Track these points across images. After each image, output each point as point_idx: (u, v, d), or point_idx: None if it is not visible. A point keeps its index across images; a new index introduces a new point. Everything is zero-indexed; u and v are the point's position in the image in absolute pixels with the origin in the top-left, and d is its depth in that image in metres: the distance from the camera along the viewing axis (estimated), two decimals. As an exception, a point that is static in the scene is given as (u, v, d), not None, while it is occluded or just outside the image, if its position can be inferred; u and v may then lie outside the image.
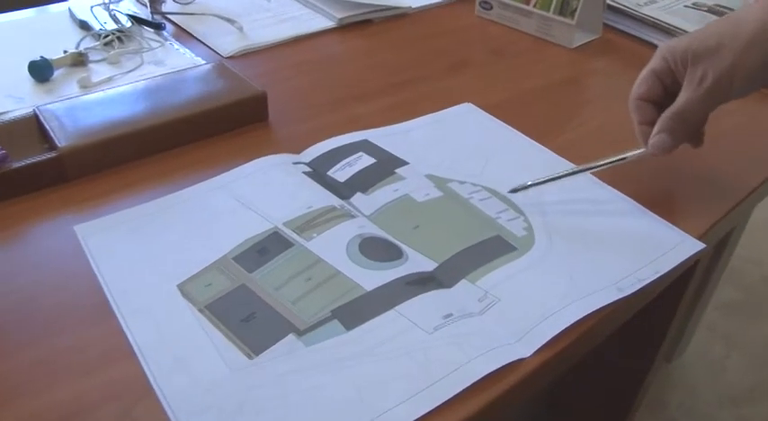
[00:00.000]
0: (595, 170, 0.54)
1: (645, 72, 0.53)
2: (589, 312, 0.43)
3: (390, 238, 0.48)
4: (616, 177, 0.56)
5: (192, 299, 0.43)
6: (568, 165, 0.57)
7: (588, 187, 0.55)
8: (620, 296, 0.44)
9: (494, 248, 0.48)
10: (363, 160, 0.57)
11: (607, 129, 0.64)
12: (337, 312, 0.42)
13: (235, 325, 0.41)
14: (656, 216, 0.52)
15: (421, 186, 0.54)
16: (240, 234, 0.48)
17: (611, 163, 0.53)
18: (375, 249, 0.47)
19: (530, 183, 0.53)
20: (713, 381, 1.28)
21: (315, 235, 0.48)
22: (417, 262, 0.46)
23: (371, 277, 0.44)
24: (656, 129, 0.51)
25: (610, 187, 0.55)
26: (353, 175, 0.55)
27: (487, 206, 0.52)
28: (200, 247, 0.47)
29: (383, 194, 0.53)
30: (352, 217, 0.50)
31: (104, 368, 0.39)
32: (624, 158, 0.53)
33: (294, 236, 0.48)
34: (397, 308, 0.42)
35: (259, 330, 0.41)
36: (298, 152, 0.58)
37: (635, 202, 0.53)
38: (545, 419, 1.08)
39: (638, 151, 0.53)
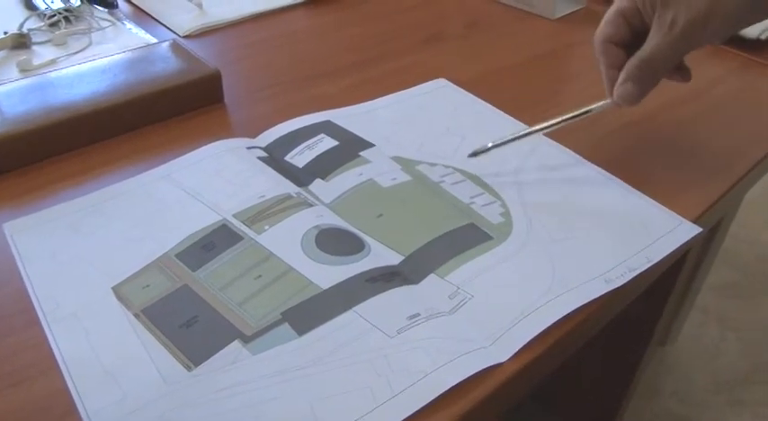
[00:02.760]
0: (560, 126, 0.49)
1: (610, 12, 0.48)
2: (574, 309, 0.38)
3: (351, 229, 0.44)
4: (600, 154, 0.51)
5: (127, 302, 0.38)
6: (552, 144, 0.52)
7: (571, 166, 0.50)
8: (609, 289, 0.39)
9: (466, 238, 0.43)
10: (325, 143, 0.51)
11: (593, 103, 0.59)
12: (288, 314, 0.37)
13: (174, 331, 0.37)
14: (645, 197, 0.47)
15: (387, 170, 0.49)
16: (184, 228, 0.43)
17: (575, 117, 0.49)
18: (333, 242, 0.42)
19: (490, 144, 0.49)
20: (708, 366, 1.25)
21: (267, 227, 0.43)
22: (380, 255, 0.42)
23: (328, 273, 0.40)
24: (621, 77, 0.47)
25: (594, 166, 0.50)
26: (313, 160, 0.50)
27: (460, 190, 0.47)
28: (140, 244, 0.42)
29: (345, 180, 0.48)
30: (310, 206, 0.45)
31: (23, 384, 0.35)
32: (589, 111, 0.49)
33: (244, 228, 0.43)
34: (355, 308, 0.37)
35: (201, 337, 0.36)
36: (253, 136, 0.53)
37: (622, 182, 0.49)
38: (529, 410, 1.03)
39: (603, 102, 0.49)
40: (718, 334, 1.31)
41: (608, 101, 0.48)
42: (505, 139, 0.49)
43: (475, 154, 0.49)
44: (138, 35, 0.69)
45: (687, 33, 0.43)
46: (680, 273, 0.79)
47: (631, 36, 0.48)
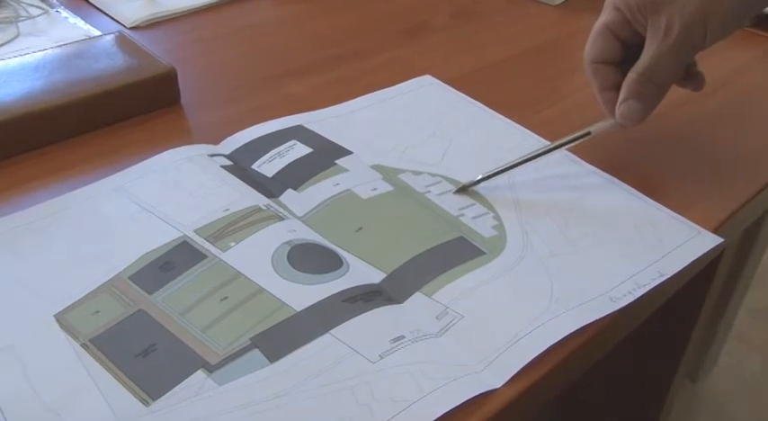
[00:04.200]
0: (553, 151, 0.53)
1: (596, 28, 0.51)
2: (574, 330, 0.41)
3: (327, 244, 0.47)
4: (604, 157, 0.55)
5: (73, 331, 0.41)
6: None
7: (571, 171, 0.54)
8: (615, 308, 0.42)
9: (455, 253, 0.46)
10: (297, 150, 0.55)
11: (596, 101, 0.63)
12: (258, 340, 0.40)
13: (128, 362, 0.39)
14: (657, 204, 0.51)
15: (366, 179, 0.52)
16: (139, 246, 0.46)
17: (571, 141, 0.52)
18: (308, 258, 0.45)
19: (480, 176, 0.52)
20: (749, 404, 1.27)
21: (233, 243, 0.46)
22: (360, 272, 0.45)
23: (302, 294, 0.43)
24: (621, 95, 0.50)
25: (599, 170, 0.54)
26: (284, 168, 0.53)
27: (448, 201, 0.51)
28: (88, 265, 0.45)
29: (320, 190, 0.51)
30: (281, 219, 0.48)
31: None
32: (588, 134, 0.52)
33: (207, 245, 0.46)
34: (333, 331, 0.40)
35: (159, 367, 0.39)
36: (216, 142, 0.56)
37: (631, 188, 0.52)
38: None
39: (605, 123, 0.52)
40: (759, 366, 1.34)
41: (610, 121, 0.52)
42: (496, 170, 0.52)
43: (464, 188, 0.52)
44: (77, 26, 0.72)
45: (685, 37, 0.47)
46: (708, 292, 0.82)
47: (623, 51, 0.51)
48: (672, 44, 0.47)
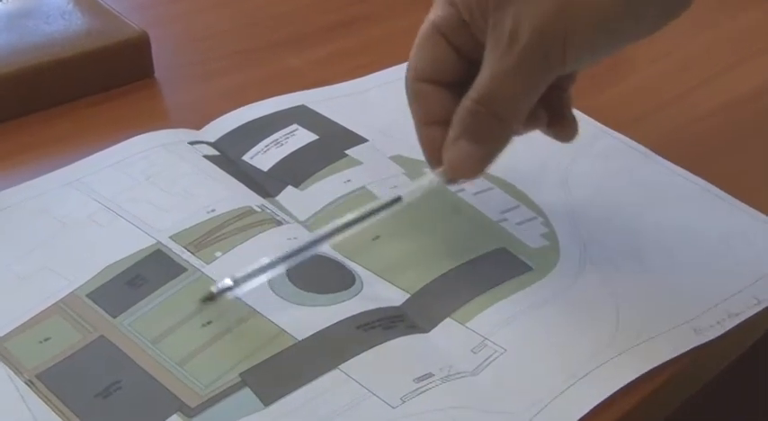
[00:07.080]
0: (348, 231, 0.43)
1: (423, 30, 0.43)
2: (648, 370, 0.40)
3: (336, 256, 0.46)
4: (685, 150, 0.54)
5: (15, 363, 0.40)
6: (615, 136, 0.55)
7: (643, 167, 0.54)
8: (699, 342, 0.42)
9: (496, 269, 0.46)
10: (298, 137, 0.55)
11: (671, 78, 0.62)
12: (250, 376, 0.39)
13: (86, 403, 0.38)
14: (753, 210, 0.50)
15: (385, 175, 0.52)
16: (100, 255, 0.45)
17: (372, 213, 0.43)
18: (312, 274, 0.44)
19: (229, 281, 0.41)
20: None
21: (219, 253, 0.45)
22: (377, 292, 0.44)
23: (305, 318, 0.42)
24: (451, 132, 0.42)
25: (676, 166, 0.54)
26: (282, 160, 0.53)
27: (487, 202, 0.50)
28: (34, 280, 0.44)
29: (327, 188, 0.51)
30: (279, 224, 0.48)
31: None
32: (399, 199, 0.43)
33: (187, 255, 0.45)
34: (343, 366, 0.40)
35: (124, 410, 0.38)
36: (198, 127, 0.56)
37: (718, 189, 0.52)
38: None
39: (424, 181, 0.44)
40: None
41: (431, 175, 0.44)
42: (260, 266, 0.42)
43: (212, 297, 0.42)
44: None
45: (537, 47, 0.37)
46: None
47: (461, 65, 0.43)
48: (519, 57, 0.38)
